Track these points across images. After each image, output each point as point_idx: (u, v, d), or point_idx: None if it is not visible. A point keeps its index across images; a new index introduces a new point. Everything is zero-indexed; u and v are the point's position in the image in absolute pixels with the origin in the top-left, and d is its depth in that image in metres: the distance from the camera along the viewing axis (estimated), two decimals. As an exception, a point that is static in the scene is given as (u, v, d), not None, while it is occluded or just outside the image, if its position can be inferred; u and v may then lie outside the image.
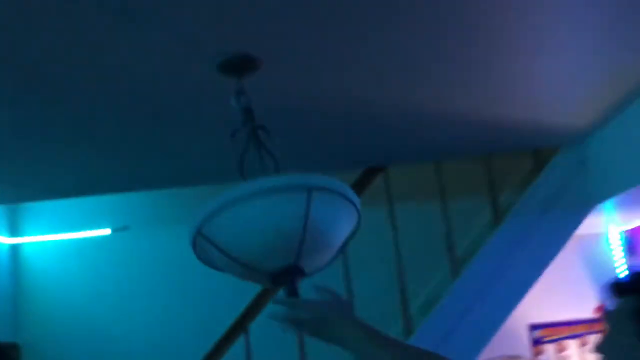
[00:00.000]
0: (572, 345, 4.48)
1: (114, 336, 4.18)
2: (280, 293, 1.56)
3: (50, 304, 4.27)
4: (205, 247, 1.69)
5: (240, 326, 3.41)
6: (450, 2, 1.93)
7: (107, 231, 4.35)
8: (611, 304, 1.38)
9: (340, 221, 1.65)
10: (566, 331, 4.50)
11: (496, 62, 2.40)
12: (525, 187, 3.68)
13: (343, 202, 1.64)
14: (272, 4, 1.85)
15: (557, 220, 3.57)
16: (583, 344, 4.46)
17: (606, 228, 4.53)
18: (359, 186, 3.60)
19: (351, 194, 1.64)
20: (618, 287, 1.38)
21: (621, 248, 4.56)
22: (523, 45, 2.31)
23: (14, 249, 4.34)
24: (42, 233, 4.36)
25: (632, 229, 4.51)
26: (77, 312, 4.25)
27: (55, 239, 4.34)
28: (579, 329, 4.48)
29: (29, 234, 4.36)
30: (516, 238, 3.54)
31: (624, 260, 4.54)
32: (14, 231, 4.35)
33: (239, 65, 2.18)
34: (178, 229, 4.18)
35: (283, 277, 1.55)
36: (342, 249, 1.72)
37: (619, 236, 4.57)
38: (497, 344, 4.13)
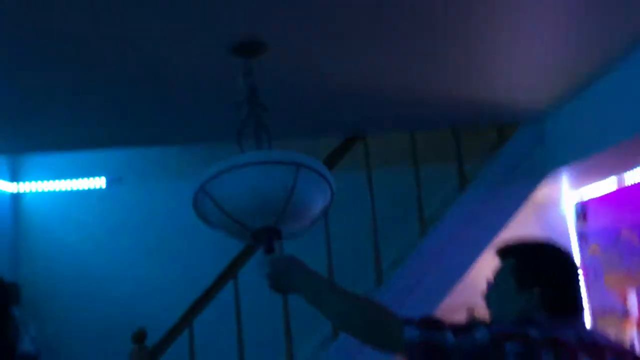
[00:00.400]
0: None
1: (107, 279, 4.52)
2: (259, 252, 1.92)
3: (48, 248, 4.58)
4: (203, 201, 2.03)
5: (229, 273, 3.77)
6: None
7: (102, 181, 4.66)
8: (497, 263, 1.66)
9: (318, 196, 1.95)
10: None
11: (464, 45, 2.74)
12: (489, 158, 4.08)
13: (322, 182, 1.95)
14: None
15: (515, 187, 3.98)
16: (534, 299, 4.95)
17: (561, 196, 4.98)
18: (340, 152, 3.98)
19: (329, 175, 1.95)
20: (501, 251, 1.66)
21: (574, 214, 5.02)
22: (486, 36, 2.65)
23: (15, 195, 4.63)
24: (42, 180, 4.65)
25: (584, 198, 4.96)
26: (73, 256, 4.57)
27: (54, 188, 4.63)
28: (530, 286, 4.95)
29: (29, 181, 4.65)
30: (478, 203, 3.94)
31: (576, 225, 5.02)
32: (15, 178, 4.63)
33: (248, 48, 2.52)
34: (169, 184, 4.59)
35: (262, 234, 1.87)
36: (315, 221, 2.03)
37: (572, 204, 5.03)
38: (459, 295, 4.61)
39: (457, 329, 1.45)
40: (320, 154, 3.91)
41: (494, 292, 1.64)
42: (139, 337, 3.57)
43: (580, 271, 1.63)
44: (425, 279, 3.80)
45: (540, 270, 1.58)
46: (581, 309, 1.58)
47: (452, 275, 3.83)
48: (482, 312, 1.80)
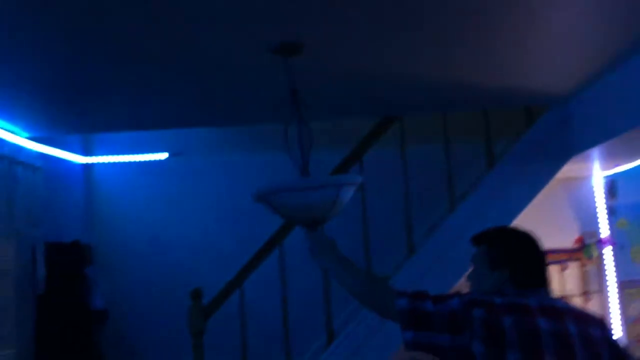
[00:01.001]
0: (554, 270, 5.25)
1: (169, 243, 5.00)
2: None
3: (116, 214, 5.08)
4: (261, 202, 2.52)
5: (276, 240, 4.19)
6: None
7: (164, 155, 5.14)
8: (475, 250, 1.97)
9: (350, 197, 2.52)
10: (551, 258, 5.26)
11: (497, 34, 2.97)
12: (517, 138, 4.35)
13: (355, 187, 2.52)
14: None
15: (541, 166, 4.25)
16: (563, 269, 5.23)
17: (591, 173, 5.21)
18: (378, 131, 4.33)
19: (358, 179, 2.51)
20: (475, 239, 1.98)
21: (603, 190, 5.25)
22: (516, 22, 2.87)
23: (87, 167, 5.14)
24: (110, 154, 5.15)
25: (613, 174, 5.18)
26: (138, 221, 5.06)
27: (122, 160, 5.13)
28: (561, 257, 5.23)
29: (99, 154, 5.16)
30: (504, 180, 4.23)
31: (604, 200, 5.25)
32: (87, 151, 5.14)
33: (287, 49, 2.90)
34: (223, 158, 5.01)
35: (312, 225, 2.36)
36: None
37: (601, 180, 5.26)
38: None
39: (436, 298, 1.81)
40: (361, 132, 4.30)
41: (473, 272, 1.97)
42: (196, 295, 4.05)
43: (545, 252, 1.93)
44: (453, 251, 4.12)
45: (508, 253, 1.90)
46: (546, 283, 1.88)
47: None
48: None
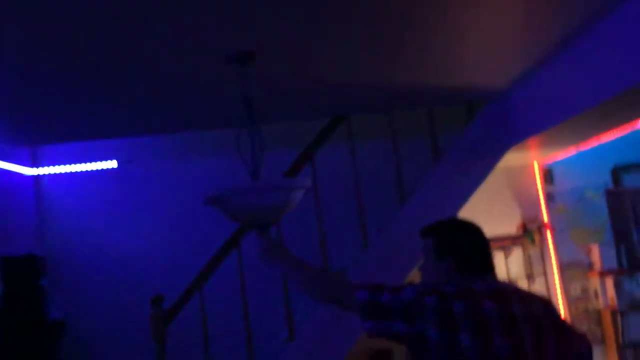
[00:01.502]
0: (498, 256, 5.49)
1: (123, 251, 5.01)
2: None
3: (70, 225, 5.06)
4: (221, 206, 2.60)
5: (233, 243, 4.27)
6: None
7: (113, 163, 5.14)
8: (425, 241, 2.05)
9: (300, 197, 2.60)
10: (495, 245, 5.50)
11: (435, 37, 3.16)
12: (459, 132, 4.55)
13: (304, 189, 2.61)
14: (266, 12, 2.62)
15: (482, 158, 4.46)
16: (508, 255, 5.48)
17: (530, 162, 5.48)
18: (327, 131, 4.45)
19: (308, 182, 2.60)
20: (423, 232, 2.06)
21: (542, 178, 5.53)
22: (443, 22, 3.02)
23: (37, 178, 5.10)
24: (59, 164, 5.12)
25: (550, 163, 5.46)
26: (91, 230, 5.05)
27: (71, 170, 5.11)
28: (505, 243, 5.48)
29: (48, 165, 5.12)
30: (450, 173, 4.43)
31: (544, 187, 5.52)
32: (35, 163, 5.10)
33: (240, 58, 2.99)
34: (174, 165, 5.05)
35: (263, 227, 2.45)
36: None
37: (539, 168, 5.53)
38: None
39: (392, 290, 1.91)
40: (311, 132, 4.42)
41: (423, 264, 2.08)
42: (157, 301, 4.09)
43: (488, 240, 2.03)
44: (405, 243, 4.29)
45: (453, 243, 2.00)
46: (490, 269, 1.99)
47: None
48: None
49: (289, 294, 4.24)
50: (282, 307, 4.24)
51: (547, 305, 1.97)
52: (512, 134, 4.45)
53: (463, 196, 4.43)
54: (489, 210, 5.30)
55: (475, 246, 2.02)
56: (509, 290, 1.94)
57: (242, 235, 4.22)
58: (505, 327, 1.81)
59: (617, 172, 5.44)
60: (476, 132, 4.49)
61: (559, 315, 1.98)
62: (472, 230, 2.04)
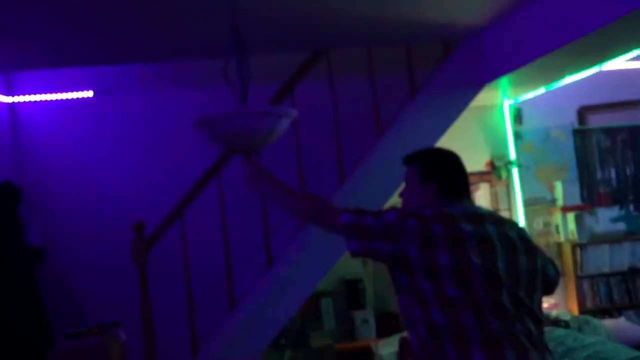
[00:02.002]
0: (466, 192, 5.69)
1: (104, 180, 5.05)
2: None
3: (46, 154, 5.06)
4: (201, 128, 2.68)
5: (214, 171, 4.35)
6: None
7: (89, 93, 5.12)
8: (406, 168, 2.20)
9: (286, 126, 2.70)
10: (463, 181, 5.70)
11: None
12: (435, 69, 4.66)
13: (290, 119, 2.69)
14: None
15: (457, 94, 4.60)
16: (475, 190, 5.69)
17: (501, 101, 5.64)
18: (307, 65, 4.51)
19: (294, 113, 2.69)
20: (407, 159, 2.21)
21: (510, 116, 5.70)
22: None
23: (11, 106, 5.07)
24: (33, 93, 5.08)
25: (519, 102, 5.63)
26: (69, 160, 5.06)
27: (46, 99, 5.08)
28: (473, 179, 5.68)
29: (23, 94, 5.08)
30: (425, 108, 4.56)
31: (512, 125, 5.71)
32: (9, 91, 5.05)
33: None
34: (153, 95, 5.04)
35: (249, 153, 2.56)
36: None
37: (509, 107, 5.70)
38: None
39: (375, 213, 2.05)
40: (292, 66, 4.47)
41: (405, 190, 2.22)
42: (139, 227, 4.18)
43: (465, 169, 2.19)
44: (380, 175, 4.44)
45: (437, 167, 2.16)
46: (468, 194, 2.16)
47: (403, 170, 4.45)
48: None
49: (268, 223, 4.38)
50: (261, 235, 4.38)
51: (519, 229, 2.13)
52: (485, 72, 4.59)
53: (437, 132, 4.57)
54: (459, 147, 5.29)
55: (456, 172, 2.18)
56: (484, 213, 2.10)
57: (223, 164, 4.29)
58: (480, 246, 1.95)
59: (583, 112, 5.65)
60: (451, 70, 4.61)
61: (530, 239, 2.13)
62: (454, 158, 2.20)
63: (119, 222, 4.35)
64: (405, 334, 4.53)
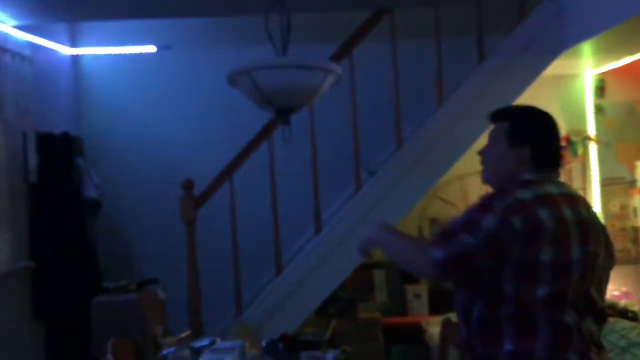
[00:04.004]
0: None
1: (161, 137, 5.00)
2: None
3: (107, 107, 5.06)
4: (244, 80, 2.54)
5: (265, 134, 4.23)
6: None
7: (152, 48, 5.07)
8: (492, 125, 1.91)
9: (330, 85, 2.59)
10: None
11: None
12: (509, 32, 4.32)
13: (336, 77, 2.57)
14: None
15: (531, 61, 4.24)
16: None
17: (580, 71, 5.21)
18: (368, 24, 4.28)
19: (340, 69, 2.57)
20: (495, 115, 1.92)
21: (592, 88, 5.27)
22: None
23: (75, 58, 5.09)
24: (98, 45, 5.08)
25: (602, 73, 5.18)
26: (128, 114, 5.04)
27: (109, 53, 5.07)
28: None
29: (87, 46, 5.08)
30: (494, 75, 4.24)
31: (593, 98, 5.27)
32: (74, 43, 5.07)
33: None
34: (214, 52, 4.95)
35: (287, 113, 2.40)
36: None
37: (590, 78, 5.27)
38: (476, 161, 5.00)
39: (466, 228, 1.68)
40: (351, 25, 4.25)
41: (490, 150, 1.90)
42: (188, 185, 4.13)
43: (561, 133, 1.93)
44: (440, 146, 4.20)
45: (532, 130, 1.86)
46: (561, 164, 1.89)
47: (462, 144, 4.19)
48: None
49: (318, 192, 4.23)
50: (311, 202, 4.23)
51: (594, 213, 1.90)
52: (565, 37, 4.20)
53: (504, 102, 4.24)
54: None
55: (552, 137, 1.89)
56: (576, 195, 1.87)
57: (275, 127, 4.15)
58: (579, 234, 1.74)
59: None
60: (526, 33, 4.26)
61: (603, 226, 1.91)
62: (549, 120, 1.91)
63: (173, 180, 4.29)
64: (451, 315, 4.30)
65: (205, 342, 2.71)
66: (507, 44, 4.29)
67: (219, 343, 2.70)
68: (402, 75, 4.27)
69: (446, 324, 3.08)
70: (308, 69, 2.47)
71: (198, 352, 2.70)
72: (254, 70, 2.46)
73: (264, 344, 2.79)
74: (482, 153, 1.94)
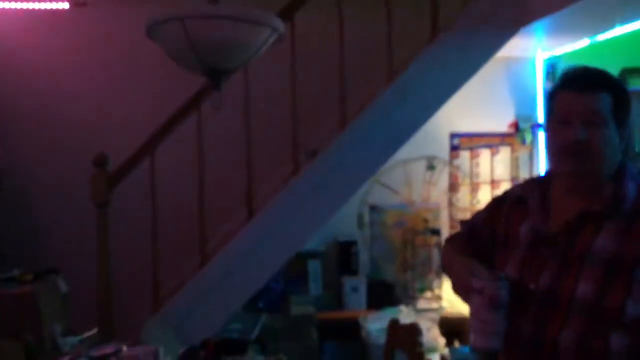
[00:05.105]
0: (484, 154, 5.08)
1: (72, 102, 4.42)
2: None
3: (12, 66, 4.43)
4: (170, 30, 2.09)
5: (193, 104, 3.75)
6: None
7: (65, 4, 4.48)
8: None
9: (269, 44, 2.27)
10: (482, 141, 5.07)
11: None
12: (463, 7, 3.98)
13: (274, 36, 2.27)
14: None
15: (485, 38, 3.92)
16: (494, 154, 5.07)
17: (534, 53, 4.95)
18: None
19: (281, 26, 2.28)
20: (592, 81, 1.46)
21: (543, 73, 5.02)
22: None
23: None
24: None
25: (554, 57, 4.94)
26: (37, 76, 4.39)
27: (16, 7, 4.45)
28: (493, 141, 5.05)
29: (-10, -1, 4.45)
30: (447, 52, 3.89)
31: (543, 84, 5.03)
32: (-26, -6, 4.42)
33: None
34: (134, 11, 4.41)
35: (218, 76, 2.01)
36: None
37: (542, 62, 5.01)
38: (421, 146, 4.69)
39: None
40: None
41: (600, 132, 1.45)
42: (100, 160, 3.60)
43: None
44: (388, 122, 3.83)
45: (629, 109, 1.50)
46: None
47: (413, 123, 3.86)
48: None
49: (253, 175, 3.79)
50: (243, 183, 3.79)
51: None
52: (522, 14, 3.91)
53: (457, 82, 3.94)
54: (479, 102, 4.86)
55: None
56: None
57: (205, 96, 3.66)
58: None
59: (625, 75, 4.95)
60: (482, 9, 3.93)
61: None
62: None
63: (86, 154, 3.74)
64: (397, 314, 3.98)
65: (108, 348, 2.25)
66: (461, 20, 3.95)
67: (125, 350, 2.25)
68: (347, 47, 3.86)
69: (393, 326, 2.76)
70: (252, 23, 2.07)
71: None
72: (187, 18, 2.04)
73: (181, 351, 2.35)
74: (585, 138, 1.45)
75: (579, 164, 1.47)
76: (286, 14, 3.73)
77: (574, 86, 1.49)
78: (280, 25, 2.26)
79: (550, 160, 1.59)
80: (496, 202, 1.75)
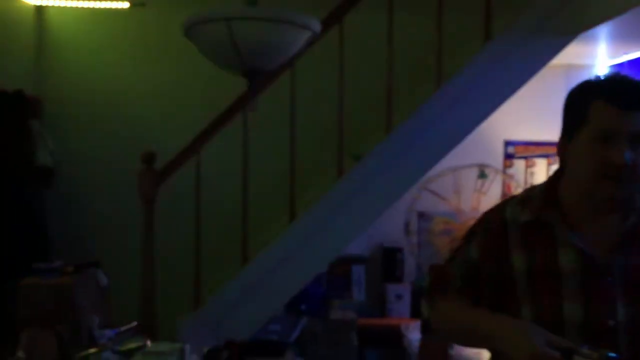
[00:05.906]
0: (540, 163, 4.93)
1: (125, 103, 4.54)
2: None
3: (71, 66, 4.58)
4: (215, 32, 2.16)
5: (240, 105, 3.76)
6: None
7: (125, 4, 4.59)
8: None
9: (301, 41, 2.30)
10: (538, 150, 4.92)
11: None
12: (519, 11, 3.85)
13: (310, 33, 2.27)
14: None
15: (542, 44, 3.78)
16: (550, 164, 4.91)
17: (595, 61, 4.76)
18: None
19: (317, 26, 2.28)
20: None
21: (605, 81, 4.81)
22: None
23: (39, 9, 4.59)
24: (64, -3, 4.60)
25: (620, 63, 4.73)
26: (94, 76, 4.58)
27: (77, 5, 4.58)
28: (550, 150, 4.89)
29: (52, -3, 4.60)
30: (500, 57, 3.78)
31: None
32: (39, -7, 4.58)
33: None
34: (191, 11, 4.46)
35: (252, 75, 2.02)
36: None
37: (606, 69, 4.82)
38: (472, 153, 4.58)
39: None
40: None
41: None
42: (148, 157, 3.66)
43: None
44: (434, 130, 3.76)
45: None
46: None
47: (462, 130, 3.77)
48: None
49: (295, 177, 3.78)
50: (285, 186, 3.79)
51: None
52: (581, 18, 3.75)
53: (509, 88, 3.82)
54: (536, 110, 4.71)
55: None
56: None
57: (253, 98, 3.68)
58: None
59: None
60: (538, 14, 3.79)
61: None
62: None
63: (136, 151, 3.81)
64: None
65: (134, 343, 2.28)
66: (515, 25, 3.82)
67: (149, 344, 2.27)
68: (397, 52, 3.80)
69: (427, 344, 2.69)
70: (294, 25, 2.09)
71: (128, 354, 2.28)
72: (232, 19, 2.08)
73: (205, 350, 2.35)
74: (632, 163, 1.34)
75: (620, 189, 1.36)
76: (336, 17, 3.72)
77: (622, 102, 1.35)
78: (318, 27, 2.26)
79: (579, 177, 1.44)
80: (488, 235, 1.54)
